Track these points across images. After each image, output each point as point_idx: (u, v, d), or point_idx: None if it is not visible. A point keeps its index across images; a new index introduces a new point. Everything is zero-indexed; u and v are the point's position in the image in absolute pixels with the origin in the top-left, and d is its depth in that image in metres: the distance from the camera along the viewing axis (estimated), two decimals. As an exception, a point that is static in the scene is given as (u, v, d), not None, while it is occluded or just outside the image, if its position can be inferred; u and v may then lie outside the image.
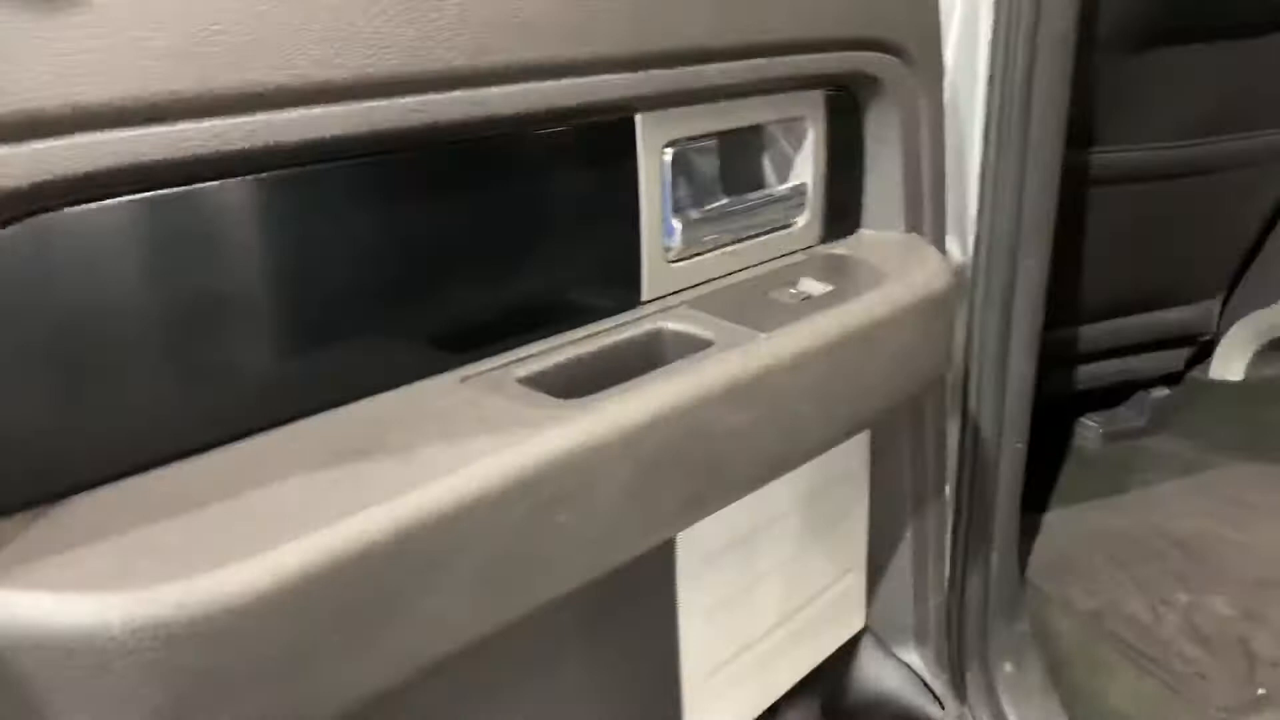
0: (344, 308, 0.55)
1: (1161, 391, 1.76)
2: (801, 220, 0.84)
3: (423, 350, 0.60)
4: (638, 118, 0.68)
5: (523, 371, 0.62)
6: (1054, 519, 1.47)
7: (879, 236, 0.88)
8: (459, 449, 0.52)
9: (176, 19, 0.45)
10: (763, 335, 0.68)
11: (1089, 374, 1.64)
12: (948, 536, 1.09)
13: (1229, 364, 1.75)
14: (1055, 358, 1.57)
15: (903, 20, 0.82)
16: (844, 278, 0.79)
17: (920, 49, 0.84)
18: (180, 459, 0.51)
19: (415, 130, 0.54)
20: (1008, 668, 1.17)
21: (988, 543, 1.15)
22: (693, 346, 0.67)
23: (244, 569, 0.44)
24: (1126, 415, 1.75)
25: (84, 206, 0.46)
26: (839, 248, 0.87)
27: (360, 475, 0.50)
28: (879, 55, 0.81)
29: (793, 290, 0.76)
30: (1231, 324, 1.72)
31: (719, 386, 0.63)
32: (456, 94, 0.55)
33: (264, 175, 0.51)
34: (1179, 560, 1.37)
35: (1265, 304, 1.66)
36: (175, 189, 0.48)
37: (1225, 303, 1.70)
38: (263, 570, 0.44)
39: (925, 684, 1.08)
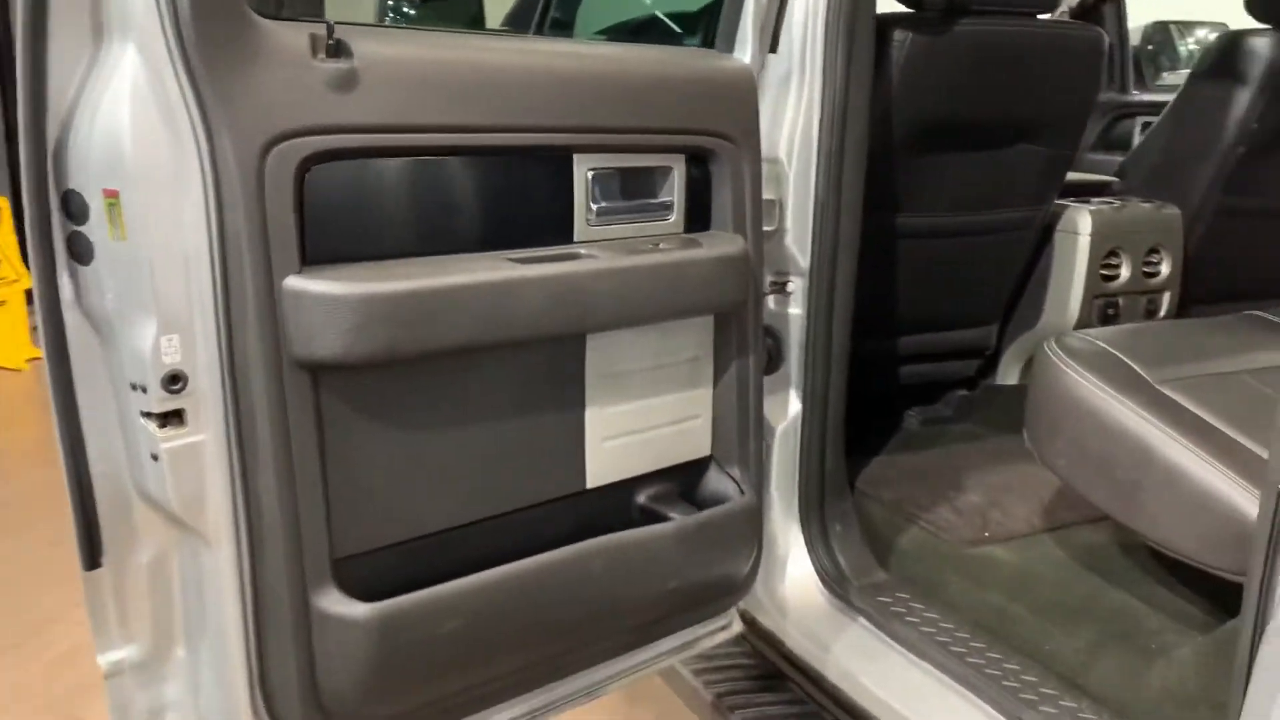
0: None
1: (963, 391, 2.52)
2: (672, 218, 1.55)
3: (479, 238, 1.32)
4: (575, 156, 1.39)
5: (507, 256, 1.32)
6: (879, 460, 2.20)
7: (714, 233, 1.59)
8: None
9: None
10: (634, 254, 1.38)
11: (908, 373, 2.39)
12: (798, 436, 1.79)
13: (1009, 372, 2.52)
14: (884, 359, 2.32)
15: (729, 120, 1.55)
16: (684, 243, 1.50)
17: (742, 136, 1.57)
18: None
19: (509, 147, 1.28)
20: (837, 528, 1.86)
21: (824, 447, 1.85)
22: (594, 256, 1.37)
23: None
24: (939, 409, 2.50)
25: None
26: (692, 233, 1.57)
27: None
28: (715, 139, 1.54)
29: (659, 245, 1.47)
30: (1009, 342, 2.49)
31: (597, 270, 1.34)
32: (519, 136, 1.29)
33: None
34: (956, 479, 2.10)
35: (1029, 328, 2.44)
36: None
37: (1004, 326, 2.47)
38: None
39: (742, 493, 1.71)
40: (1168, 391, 1.55)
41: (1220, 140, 2.38)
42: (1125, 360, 1.62)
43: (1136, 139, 3.47)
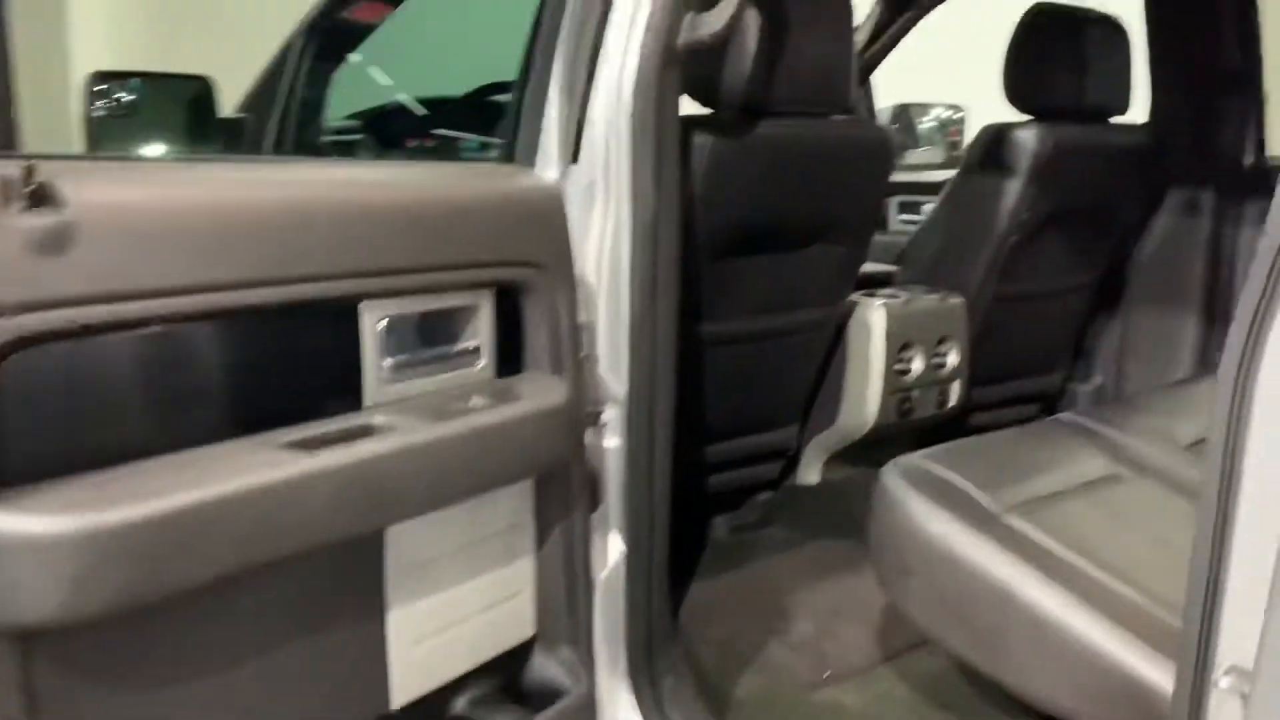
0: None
1: (766, 495, 2.40)
2: (480, 364, 1.32)
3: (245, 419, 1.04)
4: (361, 305, 1.15)
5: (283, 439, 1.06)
6: (698, 585, 2.03)
7: (530, 375, 1.38)
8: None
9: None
10: (441, 420, 1.15)
11: (715, 482, 2.24)
12: (622, 583, 1.58)
13: (809, 471, 2.43)
14: (691, 471, 2.16)
15: (539, 246, 1.36)
16: (499, 396, 1.28)
17: (555, 262, 1.38)
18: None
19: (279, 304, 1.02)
20: (669, 682, 1.66)
21: (650, 592, 1.65)
22: (393, 427, 1.13)
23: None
24: (744, 515, 2.37)
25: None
26: (504, 380, 1.35)
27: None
28: (524, 269, 1.33)
29: (467, 402, 1.24)
30: (808, 441, 2.40)
31: (397, 448, 1.09)
32: (291, 289, 1.02)
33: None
34: (781, 604, 1.96)
35: (828, 426, 2.36)
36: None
37: (803, 426, 2.38)
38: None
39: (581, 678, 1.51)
40: (1014, 522, 1.47)
41: (994, 230, 2.42)
42: (964, 487, 1.53)
43: (891, 217, 3.56)
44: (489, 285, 1.30)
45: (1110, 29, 2.48)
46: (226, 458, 0.98)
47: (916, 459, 1.59)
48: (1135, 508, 1.58)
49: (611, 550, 1.59)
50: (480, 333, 1.31)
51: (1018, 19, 2.45)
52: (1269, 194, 2.66)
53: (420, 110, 2.45)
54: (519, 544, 1.36)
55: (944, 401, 2.43)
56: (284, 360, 1.11)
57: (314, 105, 2.38)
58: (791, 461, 2.43)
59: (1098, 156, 2.51)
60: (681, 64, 1.52)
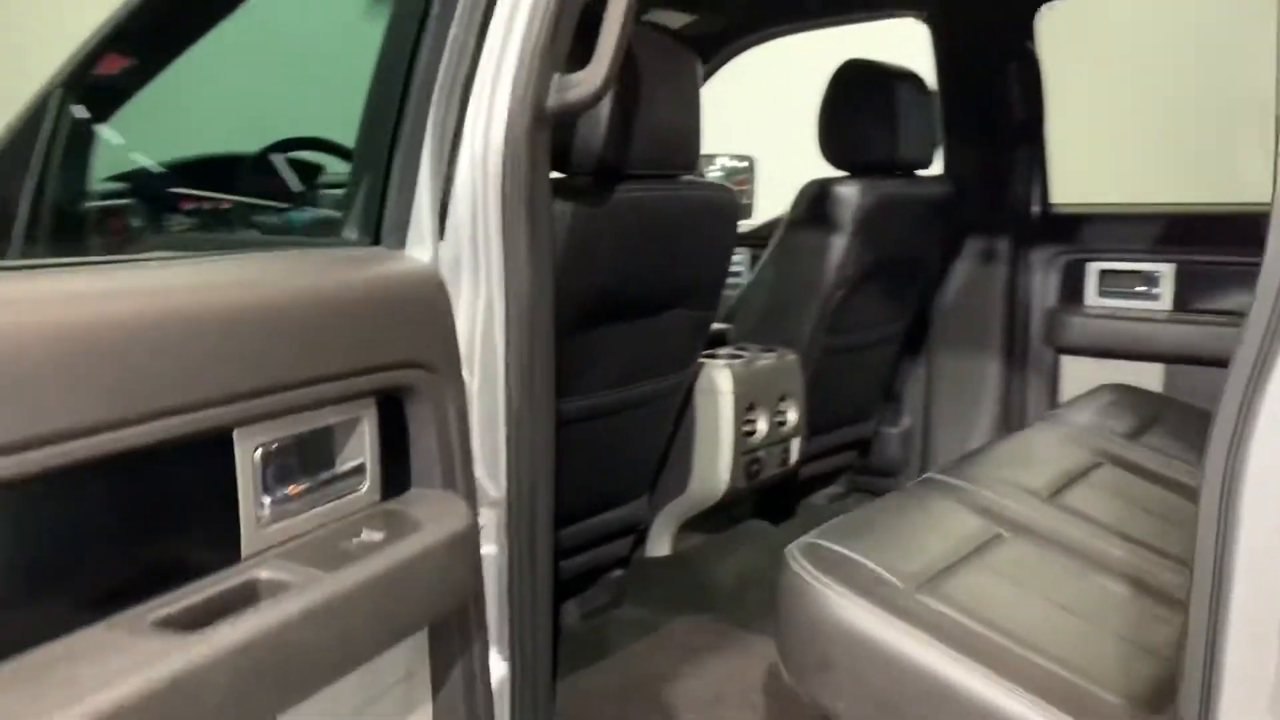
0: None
1: (618, 572, 2.27)
2: (364, 488, 1.13)
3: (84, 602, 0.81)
4: (235, 431, 0.94)
5: (155, 616, 0.84)
6: (563, 685, 1.85)
7: (420, 494, 1.20)
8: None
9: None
10: (329, 575, 0.96)
11: (567, 567, 2.08)
12: (507, 705, 1.39)
13: (659, 543, 2.32)
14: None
15: (424, 343, 1.18)
16: (393, 527, 1.09)
17: (443, 360, 1.20)
18: None
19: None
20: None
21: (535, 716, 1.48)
22: (276, 589, 0.93)
23: None
24: (596, 595, 2.22)
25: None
26: (392, 504, 1.16)
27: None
28: (410, 370, 1.15)
29: (357, 540, 1.05)
30: (658, 511, 2.29)
31: (295, 614, 0.90)
32: (149, 428, 0.80)
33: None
34: (657, 695, 1.82)
35: (678, 494, 2.26)
36: None
37: (651, 497, 2.27)
38: None
39: None
40: (927, 602, 1.41)
41: (823, 285, 2.42)
42: (872, 567, 1.46)
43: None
44: (371, 394, 1.11)
45: (916, 85, 2.56)
46: (87, 654, 0.74)
47: (814, 541, 1.50)
48: (1025, 570, 1.57)
49: (495, 672, 1.41)
50: (364, 450, 1.11)
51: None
52: (1055, 239, 2.83)
53: (205, 169, 2.16)
54: (415, 693, 1.16)
55: (786, 459, 2.39)
56: (147, 515, 0.88)
57: (76, 169, 2.04)
58: (641, 534, 2.32)
59: (911, 209, 2.57)
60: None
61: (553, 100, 1.35)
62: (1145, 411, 2.37)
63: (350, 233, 1.25)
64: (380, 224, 1.23)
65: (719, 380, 2.19)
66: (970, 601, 1.43)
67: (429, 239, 1.24)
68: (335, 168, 2.40)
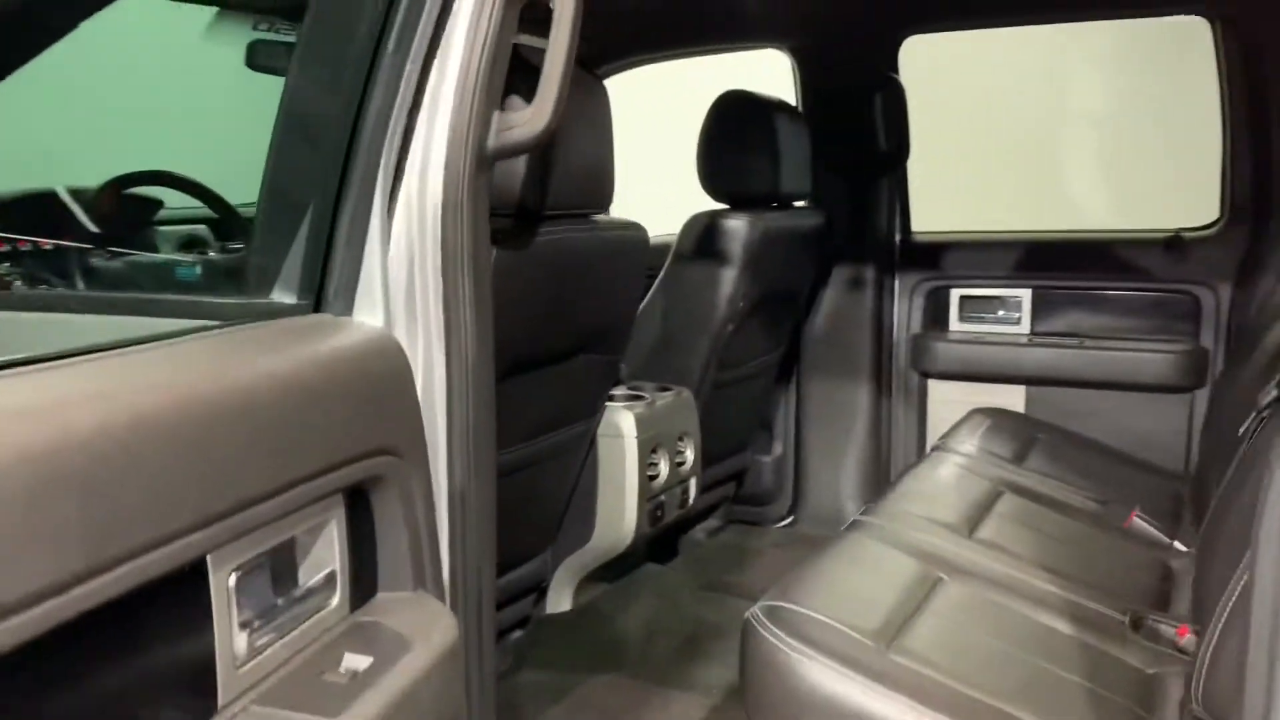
0: None
1: (518, 633, 2.13)
2: (334, 601, 0.97)
3: None
4: (210, 558, 0.78)
5: None
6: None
7: (394, 599, 1.05)
8: None
9: None
10: None
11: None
12: None
13: (560, 598, 2.20)
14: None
15: (395, 427, 1.04)
16: (378, 648, 0.95)
17: (409, 444, 1.06)
18: None
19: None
20: None
21: None
22: None
23: None
24: (496, 659, 2.07)
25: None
26: (365, 614, 1.01)
27: None
28: (382, 458, 1.00)
29: (341, 669, 0.90)
30: (558, 565, 2.16)
31: None
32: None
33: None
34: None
35: (581, 546, 2.14)
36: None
37: (552, 553, 2.14)
38: None
39: None
40: (901, 660, 1.36)
41: (714, 319, 2.36)
42: (839, 628, 1.40)
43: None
44: (339, 491, 0.95)
45: (793, 116, 2.55)
46: None
47: (776, 604, 1.43)
48: (974, 614, 1.56)
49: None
50: (334, 556, 0.95)
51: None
52: (918, 266, 2.89)
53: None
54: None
55: (685, 500, 2.32)
56: (102, 671, 0.69)
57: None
58: (541, 591, 2.18)
59: (791, 241, 2.56)
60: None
61: (493, 141, 1.23)
62: (1020, 435, 2.45)
63: (282, 296, 1.07)
64: (323, 285, 1.06)
65: (623, 424, 2.09)
66: (937, 655, 1.40)
67: (379, 300, 1.08)
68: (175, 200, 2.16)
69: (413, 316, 1.15)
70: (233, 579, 0.79)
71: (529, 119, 1.23)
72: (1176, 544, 2.02)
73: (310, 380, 0.90)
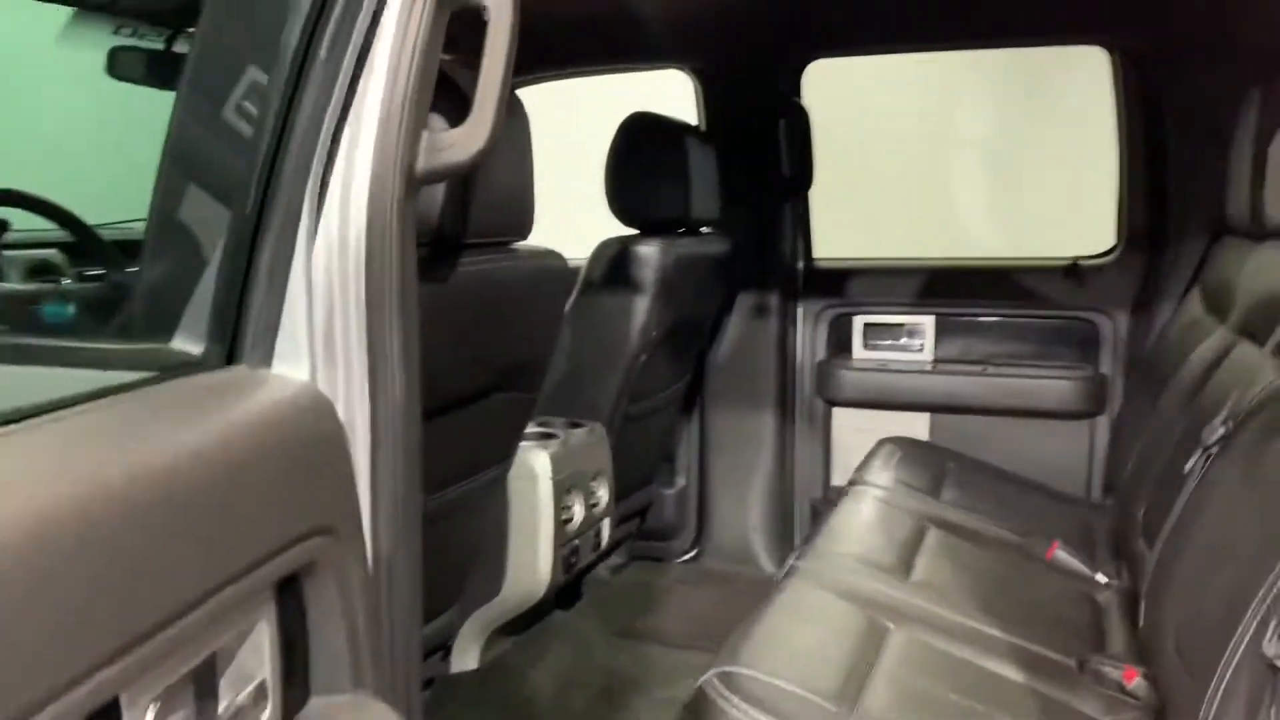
0: None
1: (424, 694, 1.95)
2: (266, 714, 0.81)
3: None
4: (123, 695, 0.62)
5: None
6: None
7: (331, 705, 0.89)
8: None
9: None
10: None
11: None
12: None
13: (466, 656, 2.03)
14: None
15: (330, 501, 0.89)
16: None
17: (345, 520, 0.91)
18: None
19: None
20: None
21: None
22: None
23: None
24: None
25: None
26: None
27: None
28: (316, 540, 0.85)
29: None
30: (463, 621, 1.99)
31: None
32: None
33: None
34: None
35: (489, 599, 1.98)
36: None
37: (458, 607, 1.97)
38: None
39: None
40: None
41: (626, 350, 2.25)
42: (797, 691, 1.29)
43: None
44: (269, 585, 0.78)
45: (701, 139, 2.47)
46: None
47: (730, 670, 1.31)
48: (926, 665, 1.48)
49: None
50: (263, 662, 0.78)
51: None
52: (822, 293, 2.83)
53: None
54: None
55: (599, 543, 2.19)
56: None
57: None
58: (446, 650, 2.01)
59: (701, 267, 2.47)
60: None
61: (423, 162, 1.08)
62: (932, 466, 2.42)
63: (187, 344, 0.90)
64: (237, 331, 0.90)
65: (536, 465, 1.95)
66: (898, 716, 1.31)
67: (303, 348, 0.92)
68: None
69: (333, 364, 0.99)
70: (150, 714, 0.62)
71: (463, 138, 1.09)
72: (1099, 576, 2.01)
73: (236, 454, 0.74)
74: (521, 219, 1.58)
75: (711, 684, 1.29)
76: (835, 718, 1.27)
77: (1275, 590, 1.00)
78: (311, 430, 0.87)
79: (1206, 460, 1.47)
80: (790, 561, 1.77)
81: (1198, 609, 1.27)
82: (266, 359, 0.90)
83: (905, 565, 1.84)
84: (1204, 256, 2.36)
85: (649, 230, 2.32)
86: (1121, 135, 2.50)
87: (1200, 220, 2.36)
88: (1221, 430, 1.45)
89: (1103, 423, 2.59)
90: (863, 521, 2.02)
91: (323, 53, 0.94)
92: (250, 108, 0.96)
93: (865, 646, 1.48)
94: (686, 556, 2.92)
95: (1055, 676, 1.53)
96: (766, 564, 2.82)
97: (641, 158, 2.31)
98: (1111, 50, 2.43)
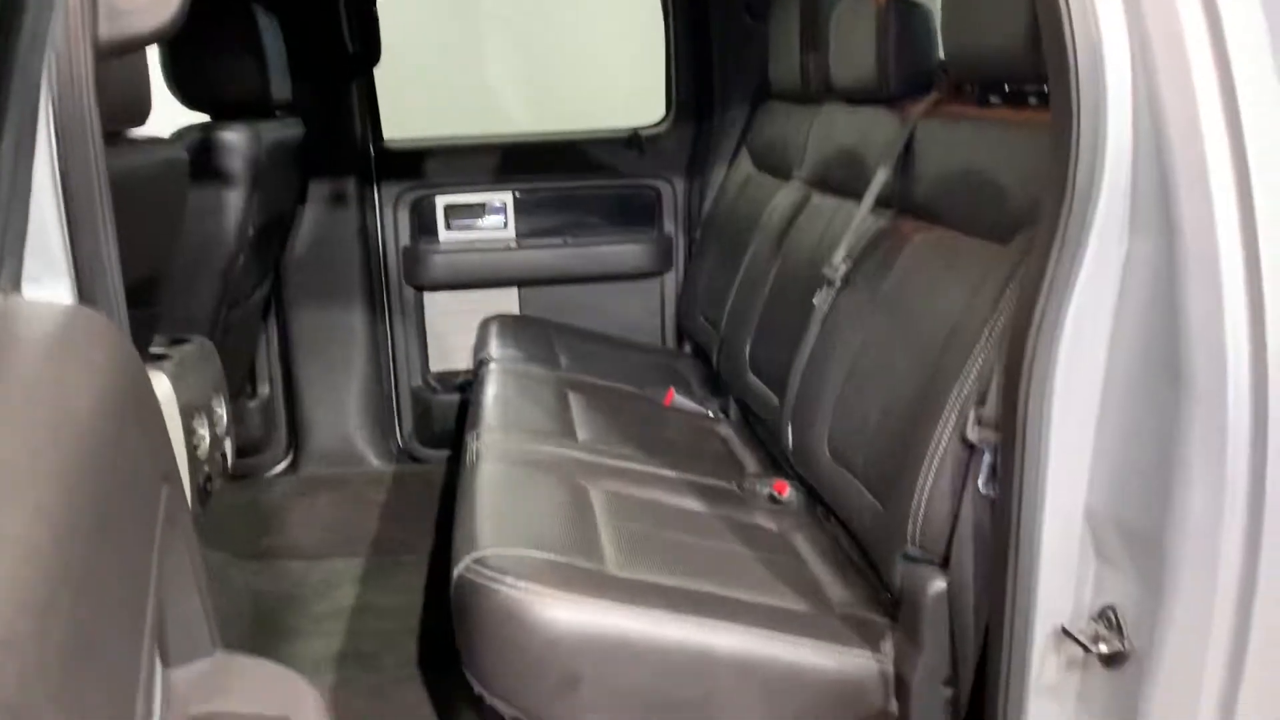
0: None
1: None
2: None
3: None
4: None
5: None
6: None
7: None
8: None
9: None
10: None
11: None
12: None
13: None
14: None
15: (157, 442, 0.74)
16: None
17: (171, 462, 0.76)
18: None
19: None
20: None
21: None
22: None
23: None
24: None
25: None
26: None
27: None
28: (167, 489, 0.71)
29: None
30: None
31: None
32: None
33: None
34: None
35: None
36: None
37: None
38: None
39: None
40: (624, 575, 1.33)
41: (221, 251, 2.01)
42: (558, 559, 1.32)
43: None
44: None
45: (265, 8, 2.22)
46: None
47: (484, 555, 1.29)
48: (632, 513, 1.57)
49: None
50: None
51: None
52: (399, 176, 2.76)
53: None
54: None
55: (226, 467, 1.98)
56: None
57: None
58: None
59: (284, 155, 2.26)
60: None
61: (106, 29, 0.89)
62: (538, 338, 2.52)
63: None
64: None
65: (158, 388, 1.70)
66: (638, 559, 1.39)
67: (63, 265, 0.73)
68: None
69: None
70: None
71: (149, 6, 0.91)
72: (709, 412, 2.25)
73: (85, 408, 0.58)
74: (140, 104, 1.33)
75: (472, 570, 1.27)
76: (594, 573, 1.32)
77: (966, 390, 1.21)
78: (108, 360, 0.70)
79: (834, 295, 1.70)
80: (471, 445, 1.76)
81: (862, 420, 1.48)
82: (15, 281, 0.70)
83: (569, 428, 1.91)
84: (748, 121, 2.65)
85: (225, 114, 2.07)
86: (667, 10, 2.68)
87: (744, 87, 2.64)
88: (844, 268, 1.67)
89: (670, 279, 2.84)
90: (511, 396, 2.05)
91: None
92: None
93: (578, 506, 1.54)
94: (280, 467, 2.75)
95: (726, 500, 1.72)
96: (375, 460, 2.76)
97: (205, 27, 2.03)
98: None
